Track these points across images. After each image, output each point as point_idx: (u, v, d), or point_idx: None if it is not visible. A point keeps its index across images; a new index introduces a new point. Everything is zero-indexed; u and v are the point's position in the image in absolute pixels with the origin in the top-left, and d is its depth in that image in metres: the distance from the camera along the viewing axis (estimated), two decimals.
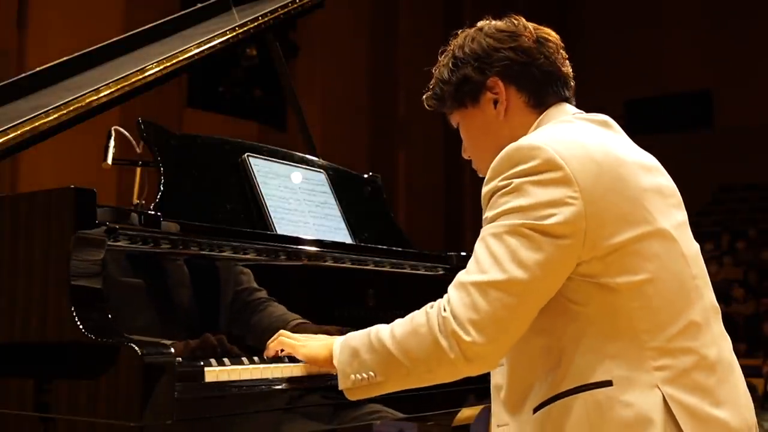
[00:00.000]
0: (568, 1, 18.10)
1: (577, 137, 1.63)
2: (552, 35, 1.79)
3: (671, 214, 1.67)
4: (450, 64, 1.81)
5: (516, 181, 1.56)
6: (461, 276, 1.57)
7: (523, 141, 1.62)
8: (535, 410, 1.61)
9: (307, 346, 1.79)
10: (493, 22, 1.81)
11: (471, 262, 1.58)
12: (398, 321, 1.63)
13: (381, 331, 1.63)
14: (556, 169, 1.54)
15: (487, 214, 1.60)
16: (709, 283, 1.70)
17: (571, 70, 1.81)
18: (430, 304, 1.60)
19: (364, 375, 1.63)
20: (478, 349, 1.51)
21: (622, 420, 1.50)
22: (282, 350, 1.85)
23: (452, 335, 1.52)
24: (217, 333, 1.89)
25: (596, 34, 17.37)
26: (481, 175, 1.77)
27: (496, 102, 1.77)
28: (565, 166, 1.54)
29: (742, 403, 1.64)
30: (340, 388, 1.67)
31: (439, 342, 1.53)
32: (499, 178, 1.59)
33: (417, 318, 1.59)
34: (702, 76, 16.58)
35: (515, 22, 1.79)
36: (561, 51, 1.79)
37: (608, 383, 1.53)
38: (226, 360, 1.81)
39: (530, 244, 1.52)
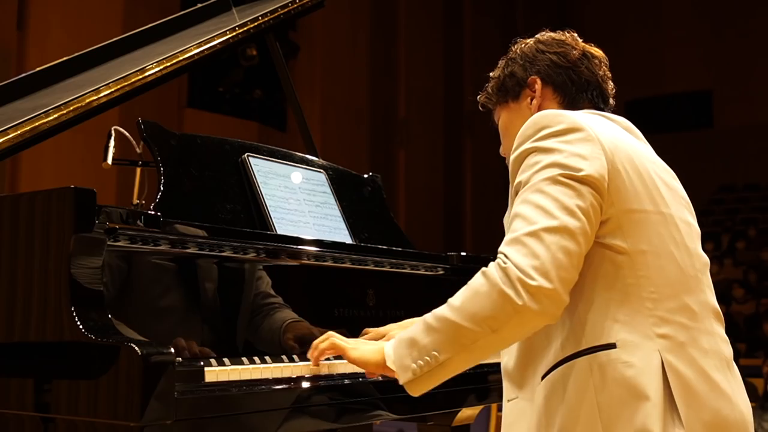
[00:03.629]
0: (569, 3, 18.10)
1: (597, 121, 1.73)
2: (598, 52, 1.90)
3: (680, 210, 1.73)
4: (503, 65, 1.95)
5: (544, 143, 1.64)
6: (510, 235, 1.59)
7: (547, 111, 1.72)
8: (544, 377, 1.65)
9: (358, 350, 1.79)
10: (550, 33, 1.93)
11: (517, 222, 1.59)
12: (452, 297, 1.62)
13: (436, 311, 1.62)
14: (581, 130, 1.64)
15: (521, 177, 1.65)
16: (713, 290, 1.75)
17: (611, 91, 1.90)
18: (482, 269, 1.60)
19: (427, 358, 1.60)
20: (546, 291, 1.52)
21: (623, 378, 1.55)
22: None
23: (518, 281, 1.52)
24: (217, 333, 1.90)
25: (596, 35, 17.24)
26: None
27: (532, 99, 1.87)
28: (589, 129, 1.65)
29: (738, 396, 1.66)
30: (401, 382, 1.65)
31: (505, 292, 1.52)
32: (528, 142, 1.66)
33: (474, 282, 1.59)
34: (702, 76, 16.59)
35: (568, 35, 1.91)
36: (605, 68, 1.89)
37: (612, 346, 1.58)
38: (226, 360, 1.81)
39: (571, 191, 1.58)
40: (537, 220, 1.55)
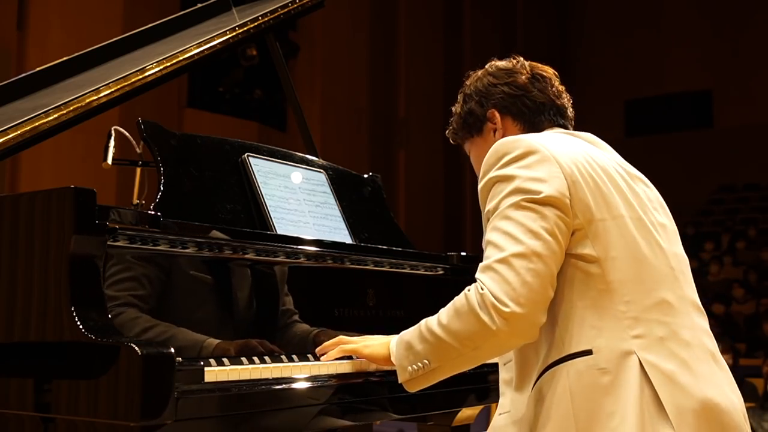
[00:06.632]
0: (569, 3, 18.10)
1: (557, 139, 1.82)
2: (548, 72, 2.01)
3: (651, 212, 1.80)
4: (461, 101, 2.07)
5: (504, 170, 1.73)
6: (484, 262, 1.70)
7: (506, 138, 1.81)
8: (533, 388, 1.73)
9: (369, 347, 1.92)
10: (497, 62, 2.04)
11: (489, 249, 1.70)
12: (443, 309, 1.74)
13: (429, 321, 1.75)
14: (537, 152, 1.73)
15: (488, 206, 1.75)
16: (694, 287, 1.80)
17: (567, 103, 2.01)
18: (467, 288, 1.71)
19: (420, 364, 1.75)
20: (518, 317, 1.62)
21: (599, 385, 1.62)
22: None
23: (492, 308, 1.63)
24: (216, 333, 1.90)
25: (597, 35, 17.36)
26: None
27: (495, 131, 1.98)
28: (545, 150, 1.74)
29: (726, 386, 1.70)
30: (399, 381, 1.79)
31: (480, 317, 1.64)
32: (491, 172, 1.76)
33: (458, 301, 1.71)
34: (702, 76, 16.58)
35: (514, 62, 2.02)
36: (556, 85, 2.00)
37: (588, 352, 1.65)
38: (225, 360, 1.81)
39: (534, 214, 1.67)
40: (506, 247, 1.66)
